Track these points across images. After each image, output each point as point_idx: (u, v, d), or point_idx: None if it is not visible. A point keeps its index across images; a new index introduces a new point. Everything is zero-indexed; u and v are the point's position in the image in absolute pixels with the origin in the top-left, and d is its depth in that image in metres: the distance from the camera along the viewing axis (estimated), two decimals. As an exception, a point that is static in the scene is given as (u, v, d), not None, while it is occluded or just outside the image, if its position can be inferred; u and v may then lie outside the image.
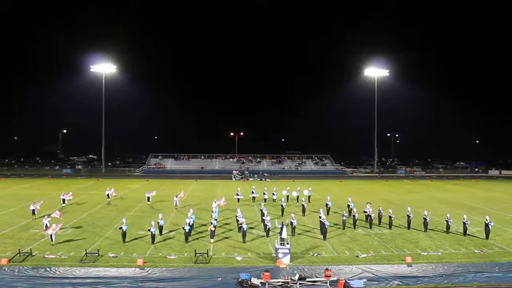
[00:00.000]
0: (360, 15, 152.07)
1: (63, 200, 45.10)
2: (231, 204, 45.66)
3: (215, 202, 39.59)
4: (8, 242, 29.50)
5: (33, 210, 37.90)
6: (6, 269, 23.64)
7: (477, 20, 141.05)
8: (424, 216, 34.26)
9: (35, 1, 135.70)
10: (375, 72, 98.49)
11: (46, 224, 30.45)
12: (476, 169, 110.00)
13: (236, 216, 34.30)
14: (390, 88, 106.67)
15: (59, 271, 23.50)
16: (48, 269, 23.65)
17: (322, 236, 31.72)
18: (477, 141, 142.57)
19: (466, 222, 32.63)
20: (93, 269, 23.98)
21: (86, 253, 26.19)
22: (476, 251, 28.40)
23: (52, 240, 28.89)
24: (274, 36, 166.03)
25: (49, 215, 33.79)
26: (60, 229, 31.40)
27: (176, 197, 45.21)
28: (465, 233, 32.54)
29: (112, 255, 26.69)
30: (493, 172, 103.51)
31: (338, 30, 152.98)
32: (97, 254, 26.21)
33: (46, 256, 26.17)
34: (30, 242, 29.36)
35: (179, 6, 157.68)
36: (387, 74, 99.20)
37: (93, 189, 59.78)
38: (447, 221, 33.58)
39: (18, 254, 25.86)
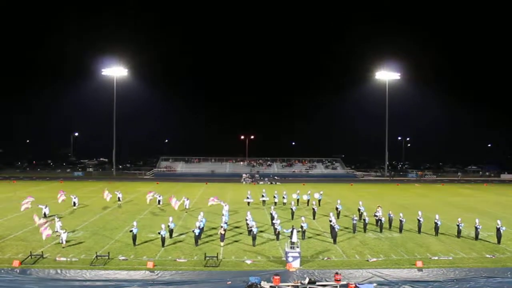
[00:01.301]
0: (372, 18, 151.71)
1: (74, 203, 45.43)
2: (241, 207, 45.68)
3: (225, 205, 39.59)
4: (20, 244, 29.77)
5: (44, 213, 38.31)
6: (18, 271, 23.87)
7: (490, 22, 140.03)
8: (435, 220, 34.04)
9: (46, 5, 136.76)
10: (386, 75, 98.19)
11: (57, 227, 30.63)
12: (488, 173, 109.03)
13: (246, 220, 34.31)
14: (401, 92, 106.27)
15: (70, 274, 23.67)
16: (58, 272, 23.82)
17: (332, 240, 31.62)
18: (489, 145, 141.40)
19: (478, 227, 32.33)
20: (103, 272, 24.12)
21: (96, 256, 26.33)
22: (487, 255, 28.13)
23: (63, 243, 29.11)
24: (285, 39, 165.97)
25: (60, 217, 34.05)
26: (71, 231, 31.70)
27: (187, 199, 45.33)
28: (476, 238, 32.25)
29: (122, 258, 26.82)
30: (505, 176, 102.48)
31: (350, 33, 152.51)
32: (107, 257, 26.33)
33: (57, 258, 26.35)
34: (41, 244, 29.55)
35: (191, 7, 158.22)
36: (398, 77, 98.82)
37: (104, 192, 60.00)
38: (458, 225, 33.29)
39: (30, 257, 26.08)
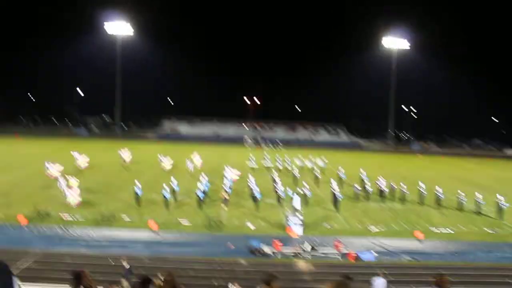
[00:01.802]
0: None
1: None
2: (244, 172, 45.84)
3: (227, 168, 39.71)
4: (27, 201, 30.06)
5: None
6: (26, 228, 24.23)
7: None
8: (437, 193, 34.19)
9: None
10: (394, 42, 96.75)
11: (63, 186, 30.85)
12: (491, 147, 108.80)
13: (249, 184, 34.52)
14: (410, 60, 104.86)
15: (76, 232, 24.03)
16: (65, 229, 24.17)
17: (334, 207, 31.89)
18: (497, 121, 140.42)
19: (480, 201, 32.50)
20: (108, 232, 24.47)
21: (102, 216, 26.65)
22: (488, 230, 28.38)
23: (69, 201, 29.37)
24: (288, 3, 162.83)
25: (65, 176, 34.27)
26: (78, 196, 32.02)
27: (191, 162, 45.52)
28: (478, 212, 32.46)
29: (127, 218, 27.15)
30: (509, 151, 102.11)
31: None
32: (112, 217, 26.66)
33: (63, 217, 26.67)
34: (48, 202, 29.84)
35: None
36: (408, 47, 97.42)
37: (108, 151, 60.34)
38: (460, 199, 33.46)
39: (37, 214, 26.40)
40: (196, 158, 47.63)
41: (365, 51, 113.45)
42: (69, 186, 30.58)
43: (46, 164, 38.91)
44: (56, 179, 34.93)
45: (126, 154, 49.33)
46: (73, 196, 29.39)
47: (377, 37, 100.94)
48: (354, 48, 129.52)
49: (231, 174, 39.83)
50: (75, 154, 46.16)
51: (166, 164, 46.50)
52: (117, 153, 50.61)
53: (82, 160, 45.34)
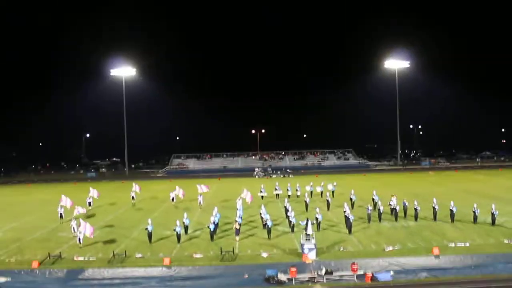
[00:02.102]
0: (381, 7, 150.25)
1: (89, 203, 45.79)
2: (255, 201, 45.72)
3: (239, 200, 39.75)
4: (38, 245, 30.13)
5: (61, 214, 38.68)
6: (37, 271, 24.18)
7: (500, 7, 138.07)
8: (451, 207, 33.83)
9: (54, 7, 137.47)
10: (396, 64, 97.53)
11: (74, 227, 30.92)
12: (503, 158, 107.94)
13: (261, 213, 34.39)
14: (412, 80, 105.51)
15: (88, 273, 23.93)
16: (77, 271, 24.08)
17: (347, 230, 31.58)
18: (503, 130, 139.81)
19: (495, 212, 32.07)
20: (121, 270, 24.38)
21: (113, 254, 26.57)
22: (505, 241, 27.89)
23: (80, 243, 29.40)
24: (293, 31, 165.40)
25: (75, 219, 34.41)
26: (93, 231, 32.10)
27: (201, 196, 45.53)
28: (493, 223, 31.99)
29: (139, 255, 27.03)
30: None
31: (360, 23, 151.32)
32: (124, 255, 26.57)
33: (75, 258, 26.64)
34: (59, 245, 29.91)
35: (197, 4, 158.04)
36: (408, 66, 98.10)
37: (118, 191, 60.52)
38: (474, 211, 33.04)
39: (48, 257, 26.38)
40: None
41: (368, 74, 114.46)
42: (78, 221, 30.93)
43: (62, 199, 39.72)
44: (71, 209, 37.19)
45: (135, 189, 49.78)
46: (87, 229, 29.49)
47: (379, 60, 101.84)
48: (358, 71, 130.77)
49: (244, 198, 40.02)
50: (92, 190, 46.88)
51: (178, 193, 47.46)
52: (126, 192, 50.75)
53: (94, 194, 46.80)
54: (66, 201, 41.18)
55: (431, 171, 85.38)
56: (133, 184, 51.32)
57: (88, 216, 40.20)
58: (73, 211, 38.29)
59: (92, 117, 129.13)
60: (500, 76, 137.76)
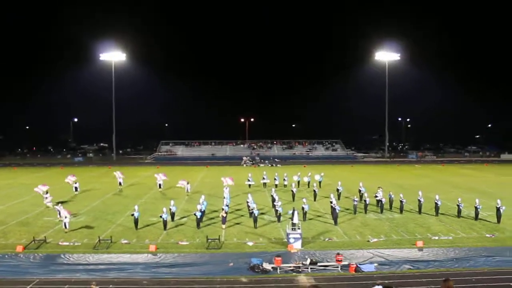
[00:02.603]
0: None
1: (76, 188, 45.57)
2: (242, 190, 45.86)
3: (226, 188, 39.81)
4: (23, 230, 29.99)
5: (46, 194, 38.55)
6: (22, 256, 24.06)
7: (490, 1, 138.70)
8: (435, 201, 34.20)
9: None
10: (386, 56, 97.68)
11: (59, 211, 30.77)
12: (488, 153, 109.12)
13: (247, 202, 34.46)
14: (401, 72, 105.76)
15: (73, 258, 23.88)
16: (62, 256, 24.01)
17: (333, 221, 31.81)
18: (489, 125, 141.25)
19: (478, 207, 32.45)
20: (106, 256, 24.33)
21: (99, 240, 26.51)
22: (487, 235, 28.32)
23: (65, 228, 29.28)
24: (284, 22, 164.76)
25: (62, 202, 34.29)
26: (73, 216, 32.01)
27: (188, 183, 45.47)
28: (476, 218, 32.41)
29: (125, 241, 27.02)
30: (506, 156, 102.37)
31: (348, 14, 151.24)
32: (110, 241, 26.53)
33: (60, 243, 26.58)
34: (44, 229, 29.81)
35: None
36: (398, 58, 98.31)
37: (104, 177, 60.28)
38: (458, 205, 33.43)
39: (33, 241, 26.26)
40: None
41: (357, 66, 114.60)
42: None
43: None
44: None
45: (120, 176, 49.37)
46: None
47: (369, 52, 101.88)
48: (348, 63, 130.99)
49: (226, 183, 40.13)
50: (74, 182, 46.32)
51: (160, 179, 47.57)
52: (113, 177, 50.56)
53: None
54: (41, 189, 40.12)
55: (417, 164, 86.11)
56: (117, 173, 50.53)
57: (74, 202, 40.05)
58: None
59: (80, 102, 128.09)
60: (489, 71, 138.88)
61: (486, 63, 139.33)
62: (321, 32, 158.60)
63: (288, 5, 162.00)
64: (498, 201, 32.06)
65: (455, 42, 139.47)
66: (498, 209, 31.45)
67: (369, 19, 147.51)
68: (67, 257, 23.93)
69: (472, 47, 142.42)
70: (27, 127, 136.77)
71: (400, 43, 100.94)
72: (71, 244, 26.48)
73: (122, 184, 48.96)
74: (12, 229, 30.30)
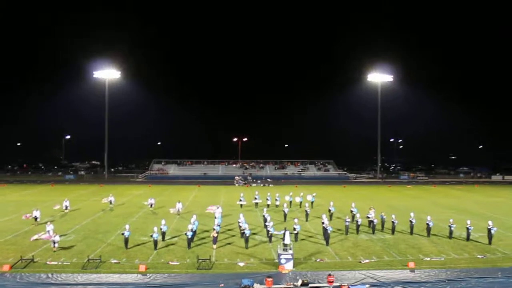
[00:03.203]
0: (363, 21, 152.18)
1: (66, 206, 45.09)
2: (234, 210, 45.63)
3: (217, 207, 39.60)
4: (10, 248, 29.52)
5: (35, 217, 37.97)
6: (8, 275, 23.66)
7: (481, 23, 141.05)
8: (427, 222, 34.20)
9: (38, 7, 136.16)
10: (379, 77, 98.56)
11: (49, 231, 30.40)
12: (479, 175, 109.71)
13: (239, 222, 34.26)
14: (393, 94, 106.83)
15: (61, 278, 23.51)
16: (50, 276, 23.63)
17: (325, 241, 31.65)
18: (480, 147, 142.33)
19: (469, 228, 32.52)
20: (95, 275, 23.97)
21: (88, 259, 26.17)
22: (479, 256, 28.29)
23: (54, 247, 28.90)
24: (277, 42, 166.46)
25: (52, 221, 33.86)
26: (62, 235, 31.59)
27: (179, 202, 45.14)
28: (468, 239, 32.43)
29: (115, 261, 26.68)
30: (496, 177, 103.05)
31: (341, 36, 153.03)
32: (99, 260, 26.19)
33: (48, 262, 26.18)
34: (32, 248, 29.35)
35: (184, 10, 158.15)
36: (391, 80, 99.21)
37: (95, 195, 59.81)
38: (450, 226, 33.45)
39: (20, 261, 25.86)
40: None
41: (351, 87, 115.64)
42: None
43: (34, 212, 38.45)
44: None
45: (112, 199, 48.70)
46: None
47: (362, 73, 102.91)
48: (341, 84, 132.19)
49: (212, 209, 39.66)
50: (64, 200, 45.67)
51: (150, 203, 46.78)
52: (104, 196, 50.13)
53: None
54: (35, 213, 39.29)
55: (409, 184, 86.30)
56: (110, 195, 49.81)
57: (64, 220, 39.62)
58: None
59: (73, 119, 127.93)
60: (480, 93, 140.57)
61: (477, 86, 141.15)
62: (314, 54, 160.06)
63: (283, 26, 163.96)
64: (490, 222, 32.21)
65: (448, 65, 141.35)
66: (489, 230, 31.49)
67: (363, 41, 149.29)
68: (55, 276, 23.55)
69: (464, 70, 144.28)
70: (18, 144, 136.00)
71: (393, 65, 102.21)
72: (60, 263, 26.10)
73: (113, 202, 48.46)
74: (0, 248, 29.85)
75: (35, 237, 29.74)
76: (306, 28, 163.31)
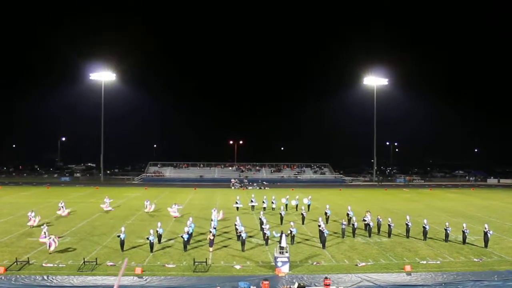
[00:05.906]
0: (360, 24, 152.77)
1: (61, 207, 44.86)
2: (230, 212, 45.57)
3: (214, 210, 39.51)
4: (5, 250, 29.36)
5: (34, 220, 37.77)
6: (3, 277, 23.52)
7: (477, 27, 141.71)
8: (424, 225, 34.21)
9: (34, 9, 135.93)
10: (374, 80, 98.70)
11: (45, 232, 30.25)
12: (473, 178, 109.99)
13: (235, 225, 34.21)
14: (390, 97, 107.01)
15: (57, 280, 23.39)
16: (45, 278, 23.51)
17: (321, 244, 31.64)
18: (476, 150, 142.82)
19: (465, 231, 32.56)
20: (91, 278, 23.86)
21: (84, 262, 26.07)
22: (475, 259, 28.33)
23: (49, 249, 28.75)
24: (274, 45, 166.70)
25: (48, 223, 33.71)
26: (60, 237, 31.45)
27: (176, 204, 45.04)
28: (464, 242, 32.47)
29: (110, 263, 26.58)
30: (492, 180, 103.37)
31: (338, 39, 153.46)
32: (95, 263, 26.09)
33: (43, 264, 26.05)
34: (27, 250, 29.23)
35: (179, 12, 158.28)
36: (386, 83, 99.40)
37: (91, 197, 59.64)
38: (446, 229, 33.51)
39: (15, 263, 25.72)
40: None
41: (347, 90, 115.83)
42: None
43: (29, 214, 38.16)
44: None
45: (107, 201, 48.49)
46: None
47: (358, 76, 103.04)
48: (336, 87, 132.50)
49: (217, 216, 39.41)
50: (60, 202, 45.44)
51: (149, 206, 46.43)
52: (100, 199, 49.95)
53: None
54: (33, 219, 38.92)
55: (405, 188, 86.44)
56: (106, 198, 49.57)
57: (59, 221, 39.44)
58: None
59: (69, 121, 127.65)
60: (476, 97, 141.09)
61: (473, 89, 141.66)
62: (310, 57, 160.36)
63: (278, 28, 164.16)
64: (486, 225, 32.27)
65: (444, 68, 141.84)
66: (485, 234, 31.55)
67: (359, 44, 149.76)
68: (51, 279, 23.43)
69: (460, 73, 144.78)
70: (14, 146, 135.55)
71: (388, 69, 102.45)
72: (55, 265, 25.97)
73: (109, 205, 48.25)
74: (-5, 249, 29.70)
75: (45, 240, 29.38)
76: (301, 32, 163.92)
